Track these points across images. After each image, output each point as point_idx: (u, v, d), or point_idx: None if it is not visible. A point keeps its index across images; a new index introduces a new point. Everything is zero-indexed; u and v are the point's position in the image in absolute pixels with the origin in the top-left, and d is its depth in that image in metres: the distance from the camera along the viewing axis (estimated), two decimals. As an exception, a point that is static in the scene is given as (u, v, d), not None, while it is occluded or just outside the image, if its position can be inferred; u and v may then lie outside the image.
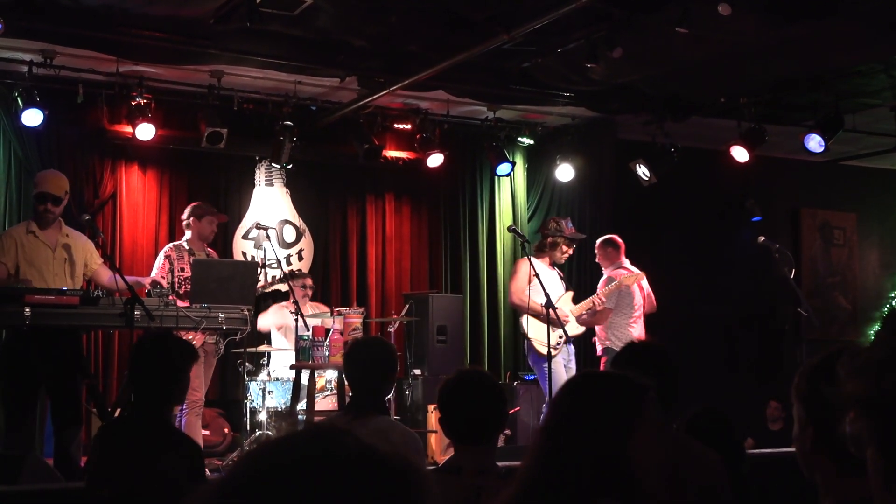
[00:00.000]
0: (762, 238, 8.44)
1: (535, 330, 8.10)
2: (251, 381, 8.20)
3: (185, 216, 7.90)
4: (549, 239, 8.34)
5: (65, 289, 6.32)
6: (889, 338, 1.49)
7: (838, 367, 1.57)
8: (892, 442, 1.48)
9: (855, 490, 1.99)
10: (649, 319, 8.66)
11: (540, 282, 7.49)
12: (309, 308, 8.40)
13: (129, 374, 4.33)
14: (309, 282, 8.90)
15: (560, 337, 7.97)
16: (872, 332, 12.27)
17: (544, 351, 7.82)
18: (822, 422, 2.07)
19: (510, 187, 10.71)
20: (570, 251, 8.44)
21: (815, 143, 9.14)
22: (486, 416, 3.30)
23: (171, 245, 7.82)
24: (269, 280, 8.06)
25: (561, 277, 8.43)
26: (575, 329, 8.23)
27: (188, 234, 7.80)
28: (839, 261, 12.45)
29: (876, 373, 1.48)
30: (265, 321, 8.59)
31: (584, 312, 8.34)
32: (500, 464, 3.42)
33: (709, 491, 3.13)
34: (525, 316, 8.17)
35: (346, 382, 4.57)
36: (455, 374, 3.42)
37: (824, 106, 9.16)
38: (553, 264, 8.38)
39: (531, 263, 7.75)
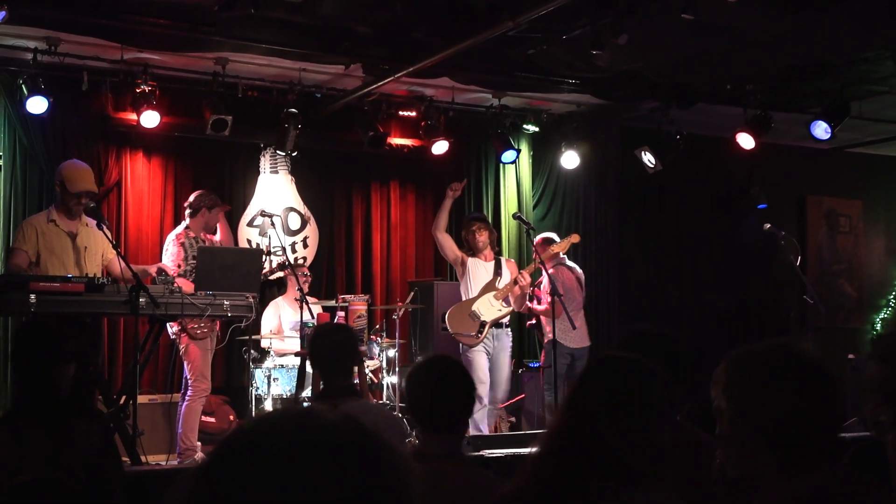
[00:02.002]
0: (768, 225, 8.44)
1: (455, 325, 8.18)
2: (256, 368, 8.21)
3: (193, 204, 7.83)
4: (463, 236, 8.41)
5: (69, 276, 6.32)
6: None
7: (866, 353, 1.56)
8: None
9: (796, 489, 1.97)
10: (658, 308, 8.68)
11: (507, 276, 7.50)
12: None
13: (13, 365, 4.23)
14: (306, 270, 8.97)
15: (482, 326, 8.06)
16: (879, 318, 12.28)
17: (467, 342, 8.08)
18: (763, 421, 2.04)
19: (515, 174, 10.69)
20: (481, 234, 8.29)
21: (821, 130, 9.11)
22: (451, 404, 3.28)
23: (181, 232, 7.78)
24: (273, 266, 8.06)
25: (497, 267, 8.36)
26: (494, 314, 8.14)
27: (192, 221, 7.76)
28: (845, 248, 12.43)
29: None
30: (267, 323, 8.63)
31: (514, 294, 8.29)
32: (505, 452, 3.42)
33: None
34: (447, 313, 8.31)
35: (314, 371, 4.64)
36: (421, 360, 3.43)
37: (831, 93, 9.13)
38: (492, 257, 8.36)
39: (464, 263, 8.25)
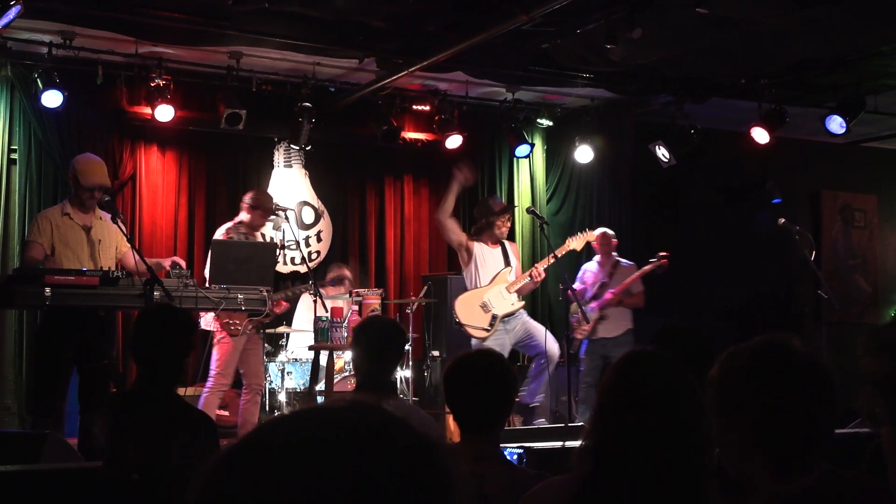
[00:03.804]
0: (782, 220, 8.41)
1: (465, 316, 8.12)
2: (270, 362, 8.23)
3: (249, 201, 7.70)
4: (483, 221, 8.35)
5: (84, 269, 6.35)
6: None
7: (859, 344, 1.55)
8: None
9: (789, 489, 1.95)
10: (671, 302, 8.70)
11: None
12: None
13: (133, 349, 4.20)
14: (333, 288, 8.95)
15: (494, 318, 8.02)
16: (893, 313, 12.22)
17: (476, 334, 7.99)
18: (755, 421, 2.01)
19: (529, 169, 10.68)
20: (506, 224, 8.36)
21: (836, 124, 9.07)
22: (488, 404, 3.12)
23: (230, 226, 7.64)
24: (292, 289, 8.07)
25: (504, 253, 8.35)
26: (507, 307, 8.12)
27: (244, 216, 7.67)
28: (860, 243, 12.38)
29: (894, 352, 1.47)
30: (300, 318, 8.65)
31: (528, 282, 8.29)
32: (509, 447, 3.36)
33: None
34: (456, 302, 8.23)
35: (354, 363, 4.48)
36: (460, 356, 3.26)
37: (846, 87, 9.08)
38: (497, 241, 8.34)
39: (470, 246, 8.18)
